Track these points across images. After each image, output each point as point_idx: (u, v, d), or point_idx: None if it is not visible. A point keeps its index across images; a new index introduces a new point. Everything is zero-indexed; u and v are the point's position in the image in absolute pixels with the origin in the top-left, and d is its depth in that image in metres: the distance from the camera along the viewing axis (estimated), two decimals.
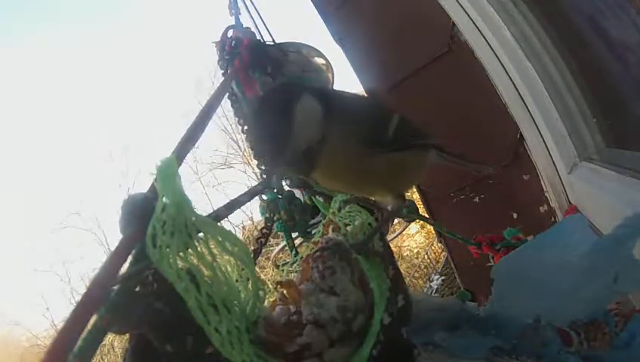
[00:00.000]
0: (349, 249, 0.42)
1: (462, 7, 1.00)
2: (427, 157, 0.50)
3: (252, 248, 0.62)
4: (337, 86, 1.01)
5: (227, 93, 0.72)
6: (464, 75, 1.20)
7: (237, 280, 0.35)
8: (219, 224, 0.38)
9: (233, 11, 0.84)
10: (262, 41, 0.84)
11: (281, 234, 0.69)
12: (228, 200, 0.44)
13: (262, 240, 0.64)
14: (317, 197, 0.69)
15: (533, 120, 0.98)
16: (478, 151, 1.19)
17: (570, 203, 0.95)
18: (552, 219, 1.14)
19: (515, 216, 1.22)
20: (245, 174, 8.49)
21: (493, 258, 0.77)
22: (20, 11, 12.33)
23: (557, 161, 0.96)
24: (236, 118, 0.74)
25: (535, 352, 0.42)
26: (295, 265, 0.64)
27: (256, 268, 0.40)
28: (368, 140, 0.42)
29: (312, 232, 0.67)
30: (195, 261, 0.32)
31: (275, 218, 0.66)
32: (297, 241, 0.72)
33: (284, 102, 0.39)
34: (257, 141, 0.41)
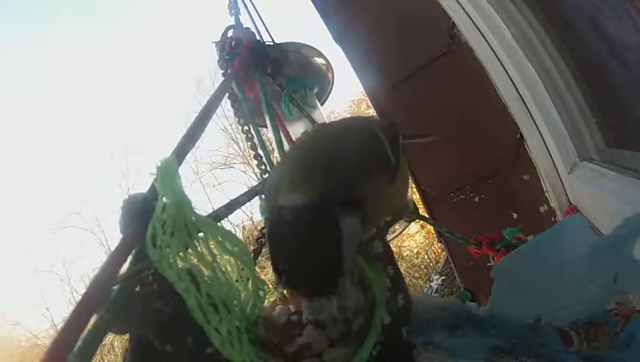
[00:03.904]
0: None
1: (462, 7, 1.00)
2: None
3: (252, 248, 0.62)
4: (337, 86, 1.02)
5: (227, 93, 0.72)
6: (464, 75, 1.20)
7: (237, 280, 0.35)
8: (219, 224, 0.38)
9: (233, 11, 0.85)
10: (262, 41, 0.84)
11: None
12: (228, 200, 0.45)
13: (262, 240, 0.64)
14: None
15: (533, 120, 0.98)
16: (478, 151, 1.19)
17: (570, 203, 0.95)
18: (552, 219, 1.13)
19: (515, 216, 1.22)
20: (245, 174, 8.50)
21: (493, 258, 0.77)
22: (19, 11, 12.33)
23: (557, 161, 0.95)
24: (236, 118, 0.74)
25: (535, 352, 0.42)
26: None
27: (256, 268, 0.40)
28: (382, 171, 0.39)
29: None
30: (195, 261, 0.32)
31: None
32: None
33: (326, 239, 0.33)
34: (307, 278, 0.33)
